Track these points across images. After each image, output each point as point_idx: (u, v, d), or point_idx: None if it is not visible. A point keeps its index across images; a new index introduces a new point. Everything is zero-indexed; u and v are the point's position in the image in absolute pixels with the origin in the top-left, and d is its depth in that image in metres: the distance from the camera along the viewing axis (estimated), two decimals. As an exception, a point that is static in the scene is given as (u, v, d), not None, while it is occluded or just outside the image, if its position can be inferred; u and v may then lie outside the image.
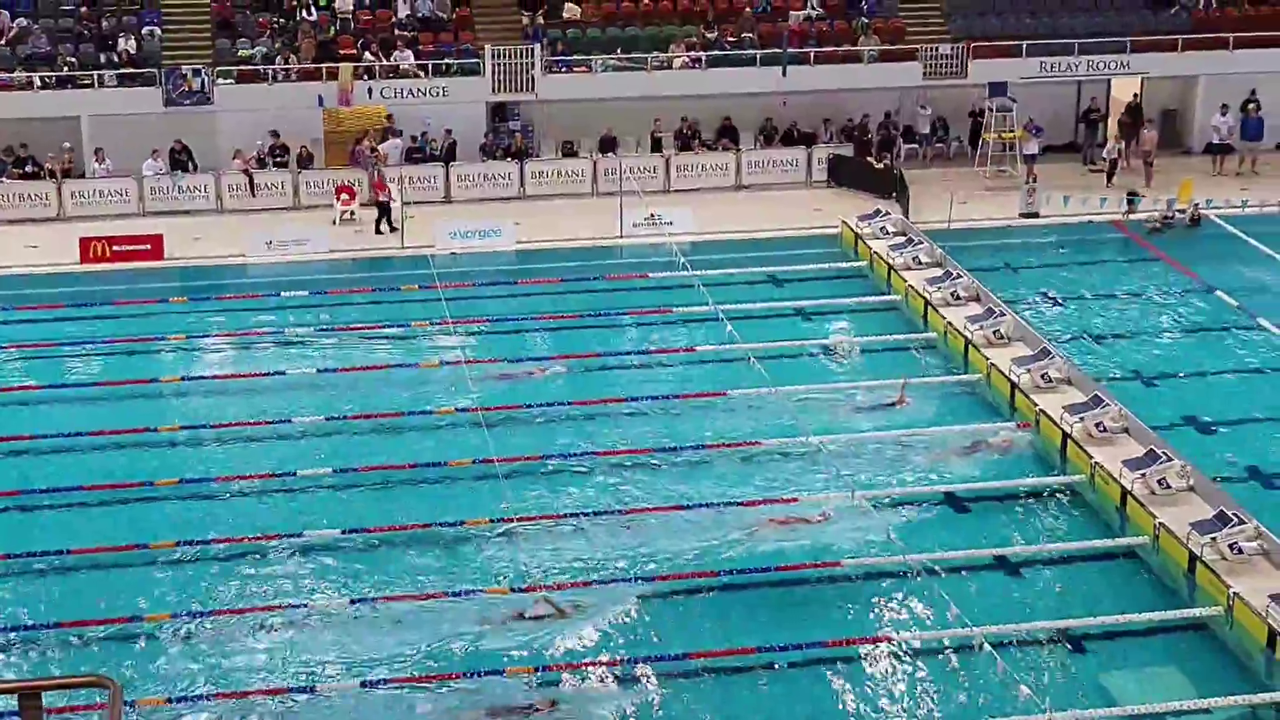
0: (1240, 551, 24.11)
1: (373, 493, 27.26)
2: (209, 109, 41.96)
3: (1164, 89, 46.16)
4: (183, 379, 31.78)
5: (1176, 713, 21.51)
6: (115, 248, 38.01)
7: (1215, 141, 44.66)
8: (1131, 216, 40.16)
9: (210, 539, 25.55)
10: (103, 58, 42.60)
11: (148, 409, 30.39)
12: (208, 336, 33.82)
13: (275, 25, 44.17)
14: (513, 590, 23.99)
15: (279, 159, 41.97)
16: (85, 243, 37.94)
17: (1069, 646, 22.93)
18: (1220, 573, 23.80)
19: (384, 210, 39.73)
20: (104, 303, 35.49)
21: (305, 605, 23.76)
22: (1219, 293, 35.87)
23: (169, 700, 21.56)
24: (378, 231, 39.51)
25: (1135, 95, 45.78)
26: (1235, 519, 24.40)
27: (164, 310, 35.37)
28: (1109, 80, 46.45)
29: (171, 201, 41.01)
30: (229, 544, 25.44)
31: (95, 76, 41.87)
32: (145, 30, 43.44)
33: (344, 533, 25.72)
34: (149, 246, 38.14)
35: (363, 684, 21.86)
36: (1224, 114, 44.51)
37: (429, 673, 22.14)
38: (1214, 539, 24.20)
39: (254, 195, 41.21)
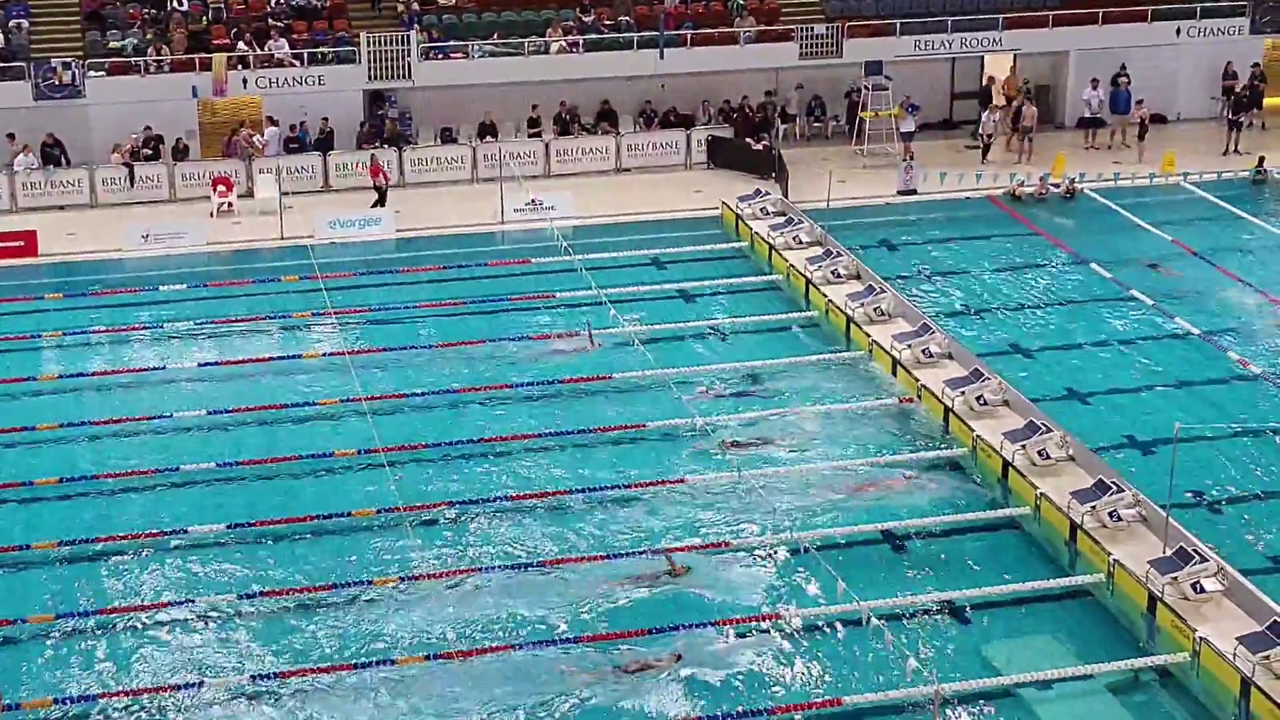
0: (1119, 519, 24.52)
1: (257, 486, 27.03)
2: (80, 102, 41.34)
3: (1036, 65, 46.72)
4: (60, 376, 31.33)
5: (1061, 679, 21.83)
6: (-12, 245, 37.47)
7: (1087, 115, 45.30)
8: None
9: (93, 538, 25.23)
10: (-31, 52, 41.89)
11: (25, 408, 29.96)
12: (85, 333, 33.35)
13: (146, 16, 43.57)
14: (402, 579, 23.92)
15: (151, 152, 41.40)
16: (-44, 241, 37.36)
17: (954, 618, 23.22)
18: (1100, 540, 24.21)
19: (382, 195, 39.83)
20: (-23, 301, 34.96)
21: (192, 601, 23.54)
22: (1093, 265, 36.43)
23: (55, 701, 21.30)
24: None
25: (1020, 76, 46.14)
26: (1114, 487, 24.81)
27: (40, 307, 34.85)
28: (982, 57, 46.95)
29: (44, 197, 40.40)
30: (112, 542, 25.13)
31: (-38, 71, 41.19)
32: (12, 23, 42.70)
33: (229, 527, 25.51)
34: (22, 243, 37.55)
35: (253, 678, 21.72)
36: (1095, 88, 45.15)
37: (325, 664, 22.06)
38: (1094, 507, 24.60)
39: (134, 187, 40.64)
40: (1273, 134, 45.74)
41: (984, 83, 46.69)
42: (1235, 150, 43.90)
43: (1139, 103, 44.31)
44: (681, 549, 24.67)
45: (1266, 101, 46.57)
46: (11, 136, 40.51)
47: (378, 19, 44.50)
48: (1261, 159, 42.25)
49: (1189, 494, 25.93)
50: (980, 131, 44.24)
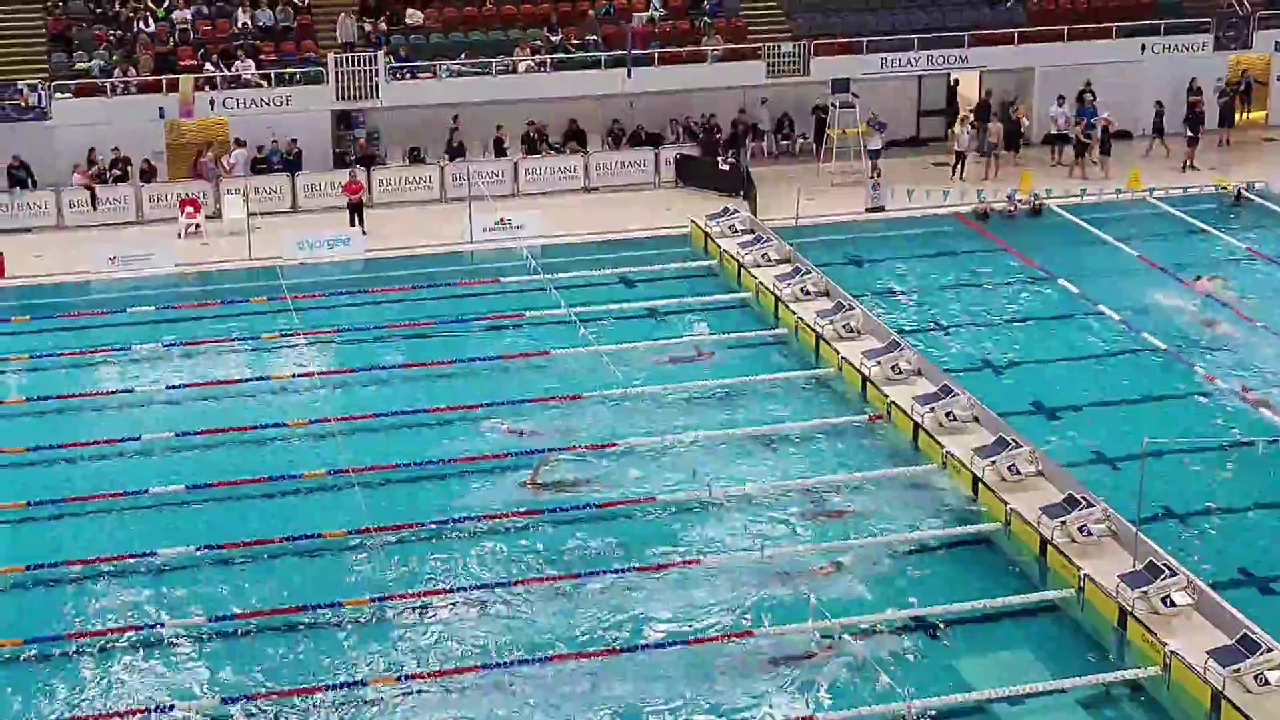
0: (1089, 534, 24.59)
1: (227, 507, 26.94)
2: (46, 124, 41.18)
3: (1002, 82, 46.89)
4: (27, 399, 31.18)
5: (1032, 694, 21.88)
6: (-46, 268, 37.30)
7: (1053, 132, 45.48)
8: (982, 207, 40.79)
9: (60, 561, 25.10)
10: (-66, 74, 41.72)
11: (-8, 431, 29.84)
12: (52, 355, 33.18)
13: (113, 37, 43.44)
14: (373, 599, 23.87)
15: (119, 174, 41.26)
16: (-77, 263, 37.20)
17: (925, 634, 23.24)
18: (1070, 555, 24.27)
19: (356, 209, 39.64)
20: (-56, 324, 34.78)
21: (161, 625, 23.44)
22: (1061, 280, 36.56)
23: (25, 726, 21.24)
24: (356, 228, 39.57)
25: (988, 91, 46.30)
26: (1084, 502, 24.90)
27: (6, 330, 34.64)
28: (948, 74, 47.12)
29: (10, 219, 40.23)
30: (80, 565, 24.99)
31: (-73, 93, 41.00)
32: (-23, 45, 42.60)
33: (199, 549, 25.41)
34: (-11, 265, 37.46)
35: (222, 700, 21.63)
36: (1060, 104, 45.34)
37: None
38: (1063, 522, 24.67)
39: (95, 210, 40.52)
40: (1238, 150, 45.95)
41: (983, 96, 46.56)
42: (1192, 167, 44.11)
43: (1098, 116, 44.49)
44: (651, 569, 24.69)
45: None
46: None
47: (346, 39, 44.37)
48: (1247, 184, 42.20)
49: (1158, 508, 25.99)
50: (954, 148, 44.31)
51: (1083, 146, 43.97)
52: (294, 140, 42.22)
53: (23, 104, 40.86)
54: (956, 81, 46.96)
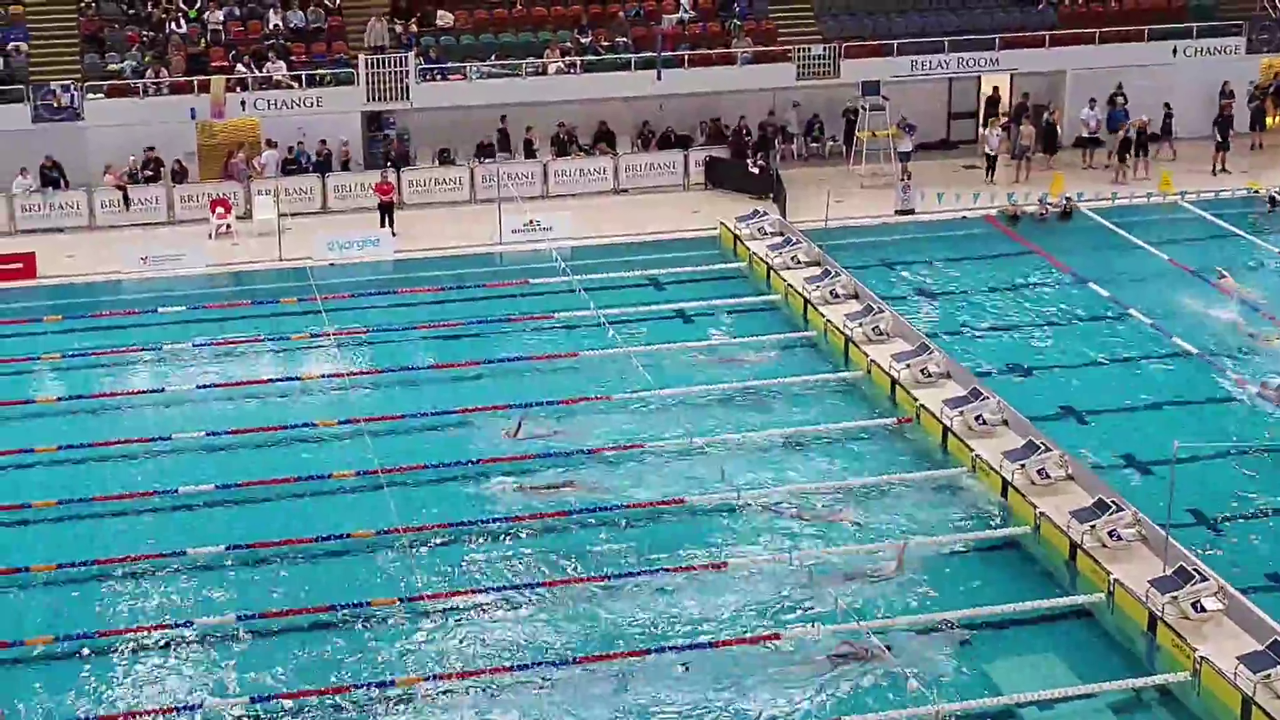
0: (1119, 538, 24.52)
1: (257, 508, 27.02)
2: (79, 124, 41.37)
3: (1033, 85, 46.75)
4: (59, 399, 31.32)
5: (1062, 699, 21.82)
6: (-14, 267, 37.51)
7: (1084, 135, 45.33)
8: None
9: (92, 560, 25.21)
10: (-33, 75, 41.94)
11: (24, 430, 29.91)
12: (84, 355, 33.33)
13: (145, 38, 43.61)
14: (400, 600, 23.93)
15: (151, 174, 41.43)
16: (-45, 263, 37.42)
17: (954, 638, 23.17)
18: (1100, 560, 24.20)
19: (386, 210, 39.70)
20: (-24, 323, 34.97)
21: (190, 623, 23.52)
22: (1091, 284, 36.45)
23: (54, 724, 21.34)
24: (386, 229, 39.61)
25: (1025, 95, 46.18)
26: (1113, 506, 24.82)
27: (38, 329, 34.80)
28: (979, 77, 47.00)
29: (43, 219, 40.41)
30: (110, 564, 25.11)
31: (-39, 94, 41.21)
32: (11, 46, 42.70)
33: (228, 548, 25.50)
34: (21, 265, 37.55)
35: (252, 699, 21.70)
36: (1092, 107, 45.20)
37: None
38: (1093, 527, 24.60)
39: (127, 210, 40.70)
40: (1270, 154, 45.72)
41: (1017, 99, 46.44)
42: (1224, 170, 43.93)
43: (1128, 118, 44.39)
44: (679, 569, 24.71)
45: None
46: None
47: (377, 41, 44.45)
48: None
49: (1188, 513, 25.90)
50: (986, 151, 44.16)
51: (1125, 148, 43.67)
52: (345, 141, 42.32)
53: (56, 104, 41.06)
54: (996, 88, 46.74)
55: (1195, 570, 23.01)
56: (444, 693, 21.99)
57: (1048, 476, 26.36)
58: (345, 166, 42.37)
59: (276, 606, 23.97)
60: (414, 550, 25.34)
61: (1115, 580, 23.68)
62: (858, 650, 22.62)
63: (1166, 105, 45.18)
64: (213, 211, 40.21)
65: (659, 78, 44.04)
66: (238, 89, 42.32)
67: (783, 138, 45.38)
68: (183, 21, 43.85)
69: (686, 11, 46.46)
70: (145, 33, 43.82)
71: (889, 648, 22.48)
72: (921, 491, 27.29)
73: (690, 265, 37.91)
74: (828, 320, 33.46)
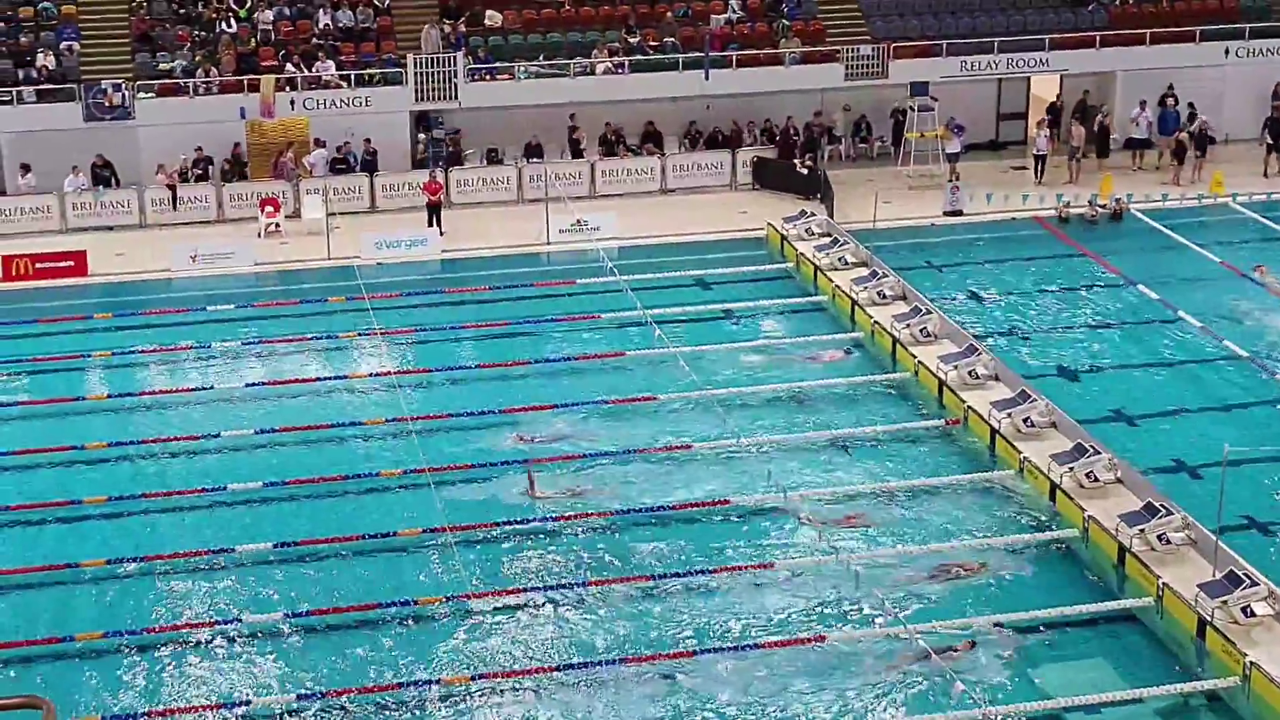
0: (1168, 542, 24.36)
1: (305, 505, 27.13)
2: (130, 123, 41.64)
3: (1083, 86, 46.51)
4: (109, 396, 31.54)
5: (1110, 704, 21.71)
6: (38, 265, 37.72)
7: (1135, 136, 45.08)
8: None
9: (140, 556, 25.37)
10: (21, 74, 42.15)
11: (74, 427, 30.11)
12: (134, 352, 33.54)
13: (195, 38, 43.87)
14: (446, 598, 23.99)
15: (201, 173, 41.67)
16: (8, 260, 37.64)
17: (1001, 641, 23.05)
18: (1149, 564, 24.05)
19: (434, 209, 39.84)
20: (28, 320, 35.14)
21: (238, 620, 23.65)
22: (1141, 286, 36.25)
23: (104, 719, 21.41)
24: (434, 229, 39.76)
25: (1085, 93, 45.98)
26: (1163, 510, 24.66)
27: (89, 327, 35.06)
28: (1028, 78, 46.82)
29: (94, 217, 40.69)
30: (159, 560, 25.26)
31: (14, 93, 41.41)
32: (64, 45, 43.04)
33: (276, 546, 25.61)
34: (72, 263, 37.83)
35: (299, 697, 21.80)
36: (1142, 109, 44.94)
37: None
38: (1142, 530, 24.45)
39: (176, 209, 40.92)
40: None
41: (1056, 101, 46.30)
42: (1277, 172, 43.62)
43: (1190, 118, 44.10)
44: (727, 569, 24.68)
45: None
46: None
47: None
48: None
49: (1239, 517, 25.71)
50: (1035, 152, 43.94)
51: (1182, 150, 43.39)
52: (368, 140, 42.38)
53: (107, 104, 41.34)
54: (1060, 94, 46.56)
55: (1245, 575, 22.85)
56: (489, 691, 22.04)
57: (1096, 480, 26.22)
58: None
59: (323, 604, 24.06)
60: (459, 549, 25.39)
61: (1164, 584, 23.53)
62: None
63: (1190, 105, 44.77)
64: (262, 210, 40.41)
65: (707, 78, 44.01)
66: (287, 88, 42.51)
67: (829, 139, 45.30)
68: (233, 21, 44.11)
69: (735, 12, 46.43)
70: (196, 32, 44.07)
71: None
72: (969, 494, 27.17)
73: (737, 266, 37.87)
74: (875, 321, 33.37)
